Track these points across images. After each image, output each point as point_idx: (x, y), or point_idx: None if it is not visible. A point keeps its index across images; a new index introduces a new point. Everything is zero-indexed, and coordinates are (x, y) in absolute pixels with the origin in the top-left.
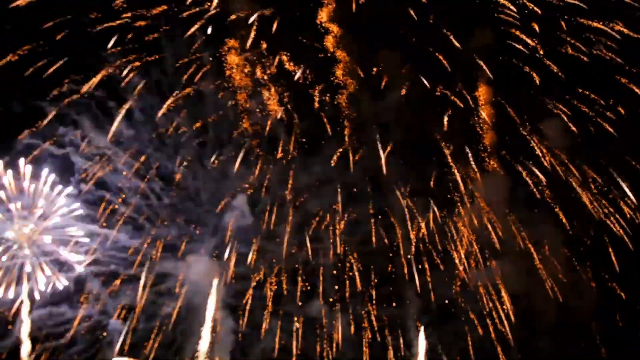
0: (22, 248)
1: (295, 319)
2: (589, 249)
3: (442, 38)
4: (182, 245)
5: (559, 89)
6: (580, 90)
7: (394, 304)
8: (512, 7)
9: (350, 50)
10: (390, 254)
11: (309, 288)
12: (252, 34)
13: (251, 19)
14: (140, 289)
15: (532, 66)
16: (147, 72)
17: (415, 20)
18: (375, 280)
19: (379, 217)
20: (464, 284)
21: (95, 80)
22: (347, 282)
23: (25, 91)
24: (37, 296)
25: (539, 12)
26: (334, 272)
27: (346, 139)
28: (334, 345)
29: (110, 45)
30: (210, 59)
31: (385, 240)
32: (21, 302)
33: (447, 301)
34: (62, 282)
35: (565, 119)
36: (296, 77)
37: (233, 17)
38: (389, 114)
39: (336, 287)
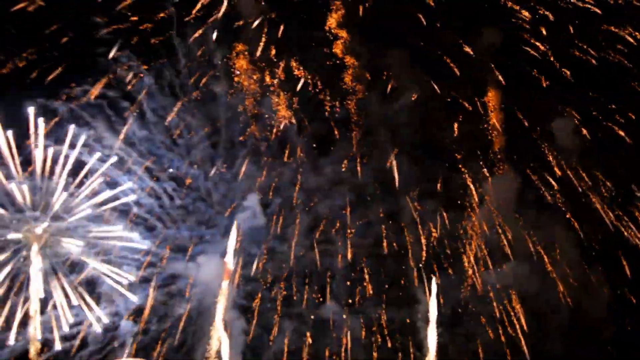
0: (31, 250)
1: (305, 321)
2: (600, 253)
3: (452, 42)
4: (192, 247)
5: (569, 92)
6: (590, 94)
7: (404, 307)
8: (523, 11)
9: (359, 55)
10: (401, 259)
11: (319, 291)
12: (263, 40)
13: (255, 23)
14: (151, 290)
15: (542, 70)
16: (159, 74)
17: (424, 25)
18: (386, 284)
19: (389, 220)
20: (474, 287)
21: (100, 84)
22: (358, 285)
23: (34, 94)
24: (57, 345)
25: (550, 16)
26: (344, 275)
27: (354, 142)
28: (343, 348)
29: (116, 48)
30: (219, 62)
31: (394, 244)
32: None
33: (457, 305)
34: (101, 321)
35: (576, 122)
36: (299, 87)
37: (241, 22)
38: (399, 119)
39: (346, 290)
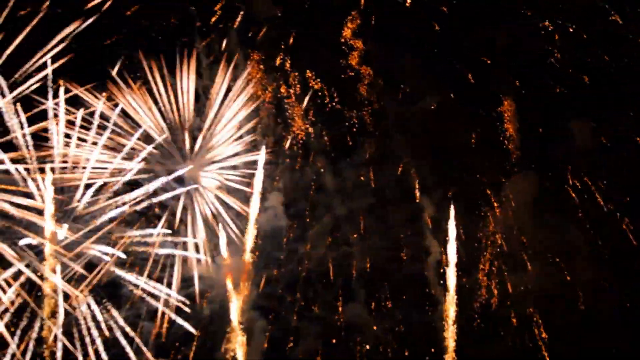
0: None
1: (324, 324)
2: (618, 260)
3: (466, 49)
4: (212, 248)
5: (586, 99)
6: (607, 101)
7: (422, 311)
8: (539, 20)
9: (374, 65)
10: (419, 263)
11: (338, 294)
12: (277, 50)
13: (270, 34)
14: (172, 291)
15: (558, 77)
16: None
17: (438, 32)
18: (404, 288)
19: (407, 224)
20: (491, 292)
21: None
22: (376, 287)
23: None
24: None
25: (568, 24)
26: (363, 278)
27: (372, 149)
28: (359, 350)
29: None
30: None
31: (412, 248)
32: None
33: (475, 308)
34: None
35: (593, 129)
36: (307, 100)
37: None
38: (416, 125)
39: (365, 293)
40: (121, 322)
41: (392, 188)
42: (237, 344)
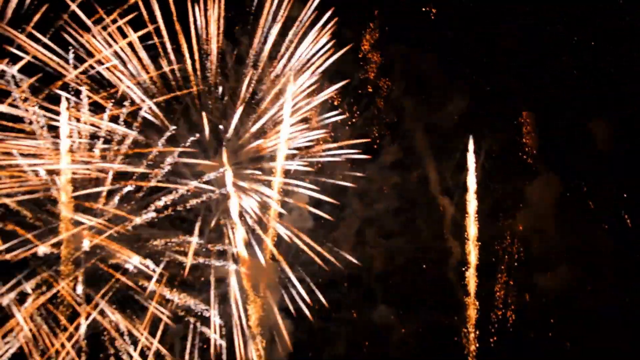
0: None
1: (350, 325)
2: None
3: (478, 58)
4: (236, 250)
5: (603, 102)
6: (625, 105)
7: (445, 313)
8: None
9: (391, 75)
10: (442, 264)
11: (363, 295)
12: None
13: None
14: (196, 293)
15: (572, 81)
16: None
17: (451, 39)
18: (427, 289)
19: (431, 226)
20: (510, 293)
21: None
22: (401, 290)
23: None
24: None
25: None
26: (387, 280)
27: (395, 153)
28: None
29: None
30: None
31: (436, 250)
32: None
33: (498, 310)
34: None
35: (612, 132)
36: (313, 125)
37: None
38: (437, 131)
39: (389, 295)
40: (142, 331)
41: (415, 191)
42: (258, 348)
